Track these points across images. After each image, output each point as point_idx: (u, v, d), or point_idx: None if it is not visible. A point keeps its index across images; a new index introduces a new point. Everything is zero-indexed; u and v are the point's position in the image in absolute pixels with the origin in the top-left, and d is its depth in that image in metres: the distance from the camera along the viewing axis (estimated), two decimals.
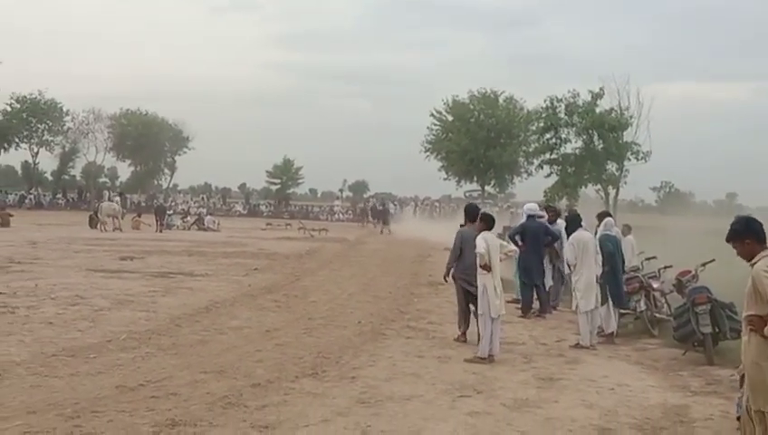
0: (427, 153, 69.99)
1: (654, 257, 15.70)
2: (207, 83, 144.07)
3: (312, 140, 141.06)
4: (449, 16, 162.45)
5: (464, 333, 11.75)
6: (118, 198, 42.72)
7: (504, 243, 11.88)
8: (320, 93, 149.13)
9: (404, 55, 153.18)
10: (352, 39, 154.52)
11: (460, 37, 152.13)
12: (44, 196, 73.06)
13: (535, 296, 15.05)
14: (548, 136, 38.94)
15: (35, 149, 74.78)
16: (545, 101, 38.72)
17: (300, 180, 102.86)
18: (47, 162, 79.69)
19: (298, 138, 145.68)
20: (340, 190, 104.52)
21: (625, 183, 39.25)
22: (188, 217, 47.87)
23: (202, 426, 6.90)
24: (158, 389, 8.10)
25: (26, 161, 78.99)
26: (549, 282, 15.55)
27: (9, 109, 71.79)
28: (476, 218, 11.69)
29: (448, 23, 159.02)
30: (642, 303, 13.10)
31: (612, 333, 12.34)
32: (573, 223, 12.48)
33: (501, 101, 68.23)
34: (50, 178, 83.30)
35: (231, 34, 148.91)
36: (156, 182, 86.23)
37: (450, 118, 69.22)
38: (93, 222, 40.30)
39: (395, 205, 77.59)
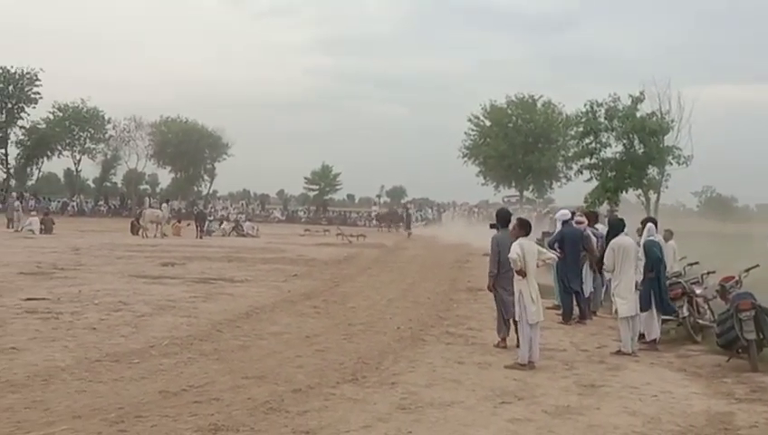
0: (465, 158, 69.90)
1: (696, 263, 15.50)
2: (246, 89, 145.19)
3: (351, 145, 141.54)
4: (487, 20, 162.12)
5: (504, 339, 11.69)
6: (165, 205, 43.19)
7: (543, 250, 11.79)
8: (358, 98, 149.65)
9: (442, 59, 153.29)
10: (391, 43, 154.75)
11: (498, 41, 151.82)
12: (87, 203, 74.18)
13: (575, 302, 14.94)
14: (588, 140, 38.56)
15: (78, 157, 76.05)
16: (585, 105, 38.34)
17: (338, 186, 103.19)
18: (89, 170, 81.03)
19: (336, 143, 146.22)
20: (378, 196, 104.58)
21: (666, 187, 38.75)
22: (225, 224, 48.13)
23: (244, 431, 6.95)
24: (200, 394, 8.17)
25: (69, 169, 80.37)
26: (589, 288, 15.43)
27: (52, 117, 73.02)
28: (508, 223, 11.65)
29: (486, 26, 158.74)
30: (685, 309, 12.94)
31: (655, 339, 12.20)
32: (615, 228, 12.37)
33: (539, 105, 67.98)
34: (92, 185, 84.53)
35: (270, 40, 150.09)
36: (196, 189, 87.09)
37: (488, 123, 69.12)
38: (135, 229, 40.81)
39: (433, 210, 77.56)
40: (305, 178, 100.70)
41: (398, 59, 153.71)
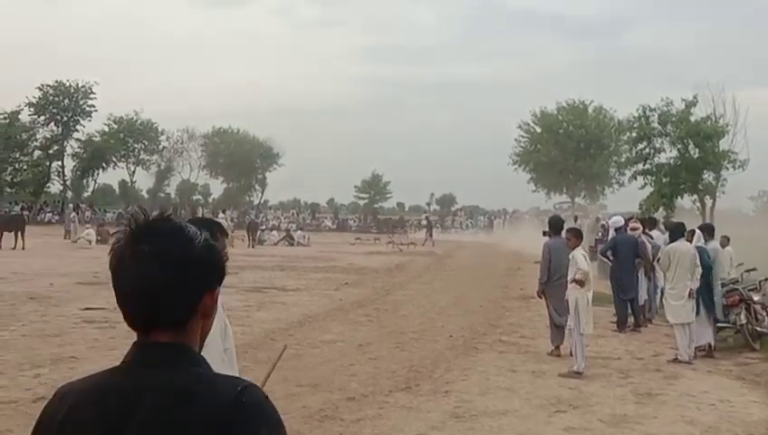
0: (516, 165, 69.56)
1: (754, 269, 15.23)
2: (296, 98, 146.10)
3: (401, 153, 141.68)
4: (536, 26, 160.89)
5: (557, 348, 11.61)
6: (222, 214, 43.86)
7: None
8: (407, 106, 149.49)
9: (491, 66, 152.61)
10: (439, 51, 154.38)
11: (548, 47, 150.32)
12: None
13: (630, 310, 14.76)
14: (641, 146, 38.12)
15: (132, 168, 77.30)
16: (637, 110, 37.92)
17: (388, 195, 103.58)
18: (143, 180, 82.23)
19: (386, 151, 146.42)
20: (428, 204, 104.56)
21: (722, 193, 38.12)
22: (275, 232, 48.51)
23: None
24: None
25: (123, 180, 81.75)
26: (643, 295, 15.24)
27: (107, 129, 74.42)
28: (561, 230, 11.59)
29: (536, 32, 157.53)
30: (742, 316, 12.71)
31: (710, 345, 12.00)
32: (674, 233, 12.22)
33: (590, 110, 67.40)
34: (146, 195, 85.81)
35: (317, 49, 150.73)
36: (247, 198, 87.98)
37: (539, 129, 68.77)
38: None
39: (484, 218, 77.35)
40: (355, 187, 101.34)
41: (448, 66, 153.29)
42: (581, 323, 10.34)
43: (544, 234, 12.37)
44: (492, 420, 7.79)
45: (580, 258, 10.47)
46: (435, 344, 12.26)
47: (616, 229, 15.45)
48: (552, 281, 11.43)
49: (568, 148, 65.53)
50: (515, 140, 69.88)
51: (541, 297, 12.05)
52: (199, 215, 49.44)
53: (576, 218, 23.48)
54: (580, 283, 10.39)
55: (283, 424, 1.66)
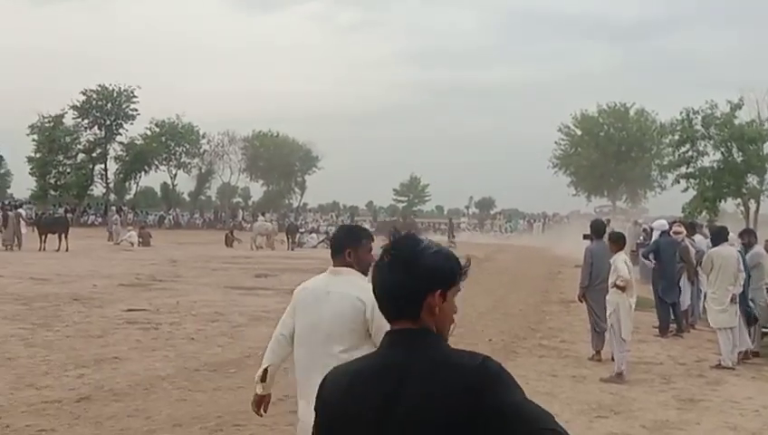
0: (556, 168, 69.14)
1: None
2: (335, 102, 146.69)
3: (439, 156, 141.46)
4: (579, 28, 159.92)
5: (598, 352, 11.50)
6: (261, 217, 44.26)
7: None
8: (447, 109, 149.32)
9: (531, 69, 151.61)
10: (479, 54, 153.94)
11: (588, 50, 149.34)
12: (182, 216, 76.13)
13: (672, 315, 14.58)
14: (684, 149, 37.71)
15: (174, 171, 78.17)
16: (680, 112, 37.53)
17: (426, 198, 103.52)
18: (185, 183, 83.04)
19: (425, 155, 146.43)
20: (467, 207, 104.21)
21: (767, 196, 37.60)
22: (314, 235, 48.64)
23: None
24: (295, 404, 8.25)
25: (165, 183, 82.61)
26: (687, 300, 15.05)
27: (149, 133, 75.32)
28: (603, 234, 11.49)
29: (578, 34, 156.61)
30: None
31: (746, 351, 11.81)
32: (717, 237, 12.05)
33: (631, 113, 66.80)
34: (187, 198, 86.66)
35: (358, 52, 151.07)
36: (286, 201, 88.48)
37: (579, 132, 68.29)
38: (229, 241, 41.74)
39: (523, 221, 76.99)
40: (394, 190, 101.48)
41: (487, 70, 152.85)
42: (622, 328, 10.23)
43: (585, 237, 12.26)
44: None
45: (620, 265, 10.37)
46: (474, 348, 12.01)
47: (660, 233, 15.26)
48: (594, 285, 11.33)
49: (609, 151, 65.05)
50: (555, 143, 69.53)
51: (582, 301, 11.95)
52: (239, 217, 49.77)
53: (608, 222, 23.19)
54: (622, 287, 10.29)
55: (518, 384, 2.14)
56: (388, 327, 3.10)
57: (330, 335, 4.26)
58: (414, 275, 2.22)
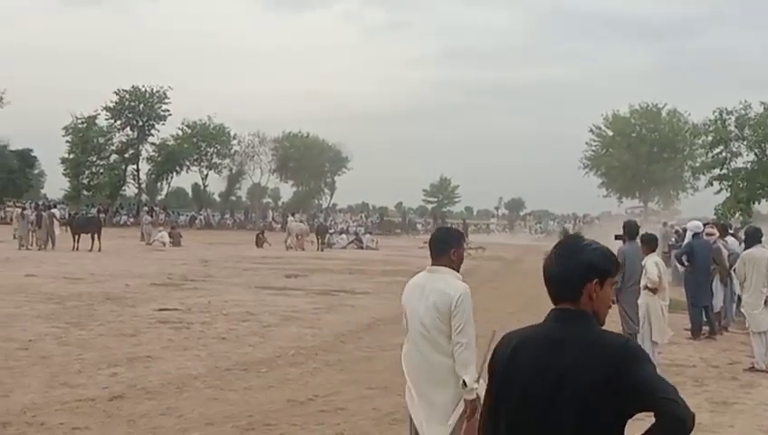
0: (586, 169, 68.71)
1: None
2: (364, 102, 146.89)
3: (468, 157, 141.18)
4: (609, 27, 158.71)
5: None
6: (291, 218, 44.54)
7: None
8: (477, 109, 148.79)
9: (563, 69, 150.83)
10: (507, 54, 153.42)
11: (622, 48, 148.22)
12: (213, 216, 76.59)
13: (705, 317, 14.42)
14: (717, 150, 37.29)
15: (205, 172, 78.68)
16: (714, 113, 37.12)
17: (456, 199, 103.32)
18: (216, 184, 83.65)
19: (455, 155, 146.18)
20: (496, 208, 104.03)
21: None
22: (344, 236, 48.66)
23: None
24: (326, 403, 8.33)
25: (196, 183, 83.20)
26: (719, 302, 14.88)
27: (181, 133, 75.89)
28: (636, 236, 11.38)
29: (608, 34, 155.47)
30: None
31: None
32: (751, 239, 11.90)
33: (664, 114, 66.22)
34: (218, 199, 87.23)
35: (387, 53, 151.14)
36: (316, 202, 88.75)
37: (610, 133, 67.83)
38: (259, 241, 41.96)
39: (554, 222, 76.61)
40: (423, 191, 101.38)
41: (518, 69, 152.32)
42: (654, 331, 10.14)
43: (616, 238, 12.16)
44: None
45: (651, 267, 10.28)
46: None
47: (693, 235, 15.10)
48: (626, 287, 11.22)
49: (640, 152, 64.58)
50: (586, 143, 69.16)
51: (614, 303, 11.85)
52: (269, 218, 49.91)
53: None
54: (653, 290, 10.20)
55: (650, 360, 2.79)
56: (468, 320, 4.70)
57: (425, 326, 4.89)
58: (575, 266, 2.81)
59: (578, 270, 2.79)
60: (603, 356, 2.63)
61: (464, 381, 4.72)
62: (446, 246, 5.06)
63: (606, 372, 2.60)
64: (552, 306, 2.83)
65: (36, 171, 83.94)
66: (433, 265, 5.03)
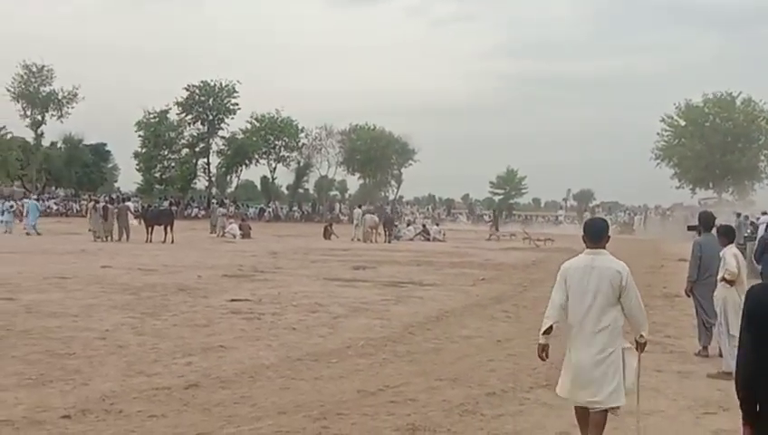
0: (658, 160, 67.43)
1: None
2: (430, 95, 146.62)
3: (536, 149, 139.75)
4: (679, 17, 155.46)
5: (705, 348, 11.18)
6: (358, 210, 44.86)
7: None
8: (542, 101, 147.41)
9: (629, 59, 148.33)
10: (575, 45, 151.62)
11: (692, 38, 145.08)
12: (281, 208, 77.44)
13: None
14: None
15: (273, 165, 79.62)
16: None
17: (523, 190, 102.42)
18: (283, 176, 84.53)
19: (520, 147, 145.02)
20: (564, 200, 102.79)
21: None
22: (411, 228, 48.59)
23: (441, 432, 7.05)
24: (396, 394, 8.36)
25: (265, 176, 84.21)
26: None
27: (249, 127, 76.84)
28: (712, 227, 11.15)
29: (678, 23, 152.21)
30: None
31: None
32: None
33: (738, 102, 64.55)
34: (286, 191, 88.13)
35: (451, 45, 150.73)
36: (383, 194, 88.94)
37: (683, 122, 66.42)
38: (328, 233, 42.28)
39: (624, 214, 75.38)
40: (490, 183, 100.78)
41: (586, 60, 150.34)
42: (731, 324, 9.91)
43: (689, 229, 11.93)
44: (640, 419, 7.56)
45: (729, 258, 10.03)
46: None
47: (767, 227, 14.72)
48: (702, 279, 11.00)
49: (714, 141, 63.11)
50: (658, 134, 67.84)
51: (689, 296, 11.62)
52: (337, 210, 49.87)
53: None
54: (730, 281, 9.97)
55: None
56: (635, 292, 6.29)
57: (595, 299, 6.18)
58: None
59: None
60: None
61: (641, 335, 6.38)
62: (604, 233, 6.44)
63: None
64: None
65: (110, 165, 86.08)
66: (592, 247, 6.34)
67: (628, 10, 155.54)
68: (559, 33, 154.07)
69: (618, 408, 6.37)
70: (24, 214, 40.56)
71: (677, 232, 40.43)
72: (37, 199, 50.88)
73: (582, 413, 6.45)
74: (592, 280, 6.19)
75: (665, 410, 8.05)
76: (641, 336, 6.39)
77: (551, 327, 6.36)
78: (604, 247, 6.38)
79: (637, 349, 6.46)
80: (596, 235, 6.39)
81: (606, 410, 6.33)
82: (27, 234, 37.02)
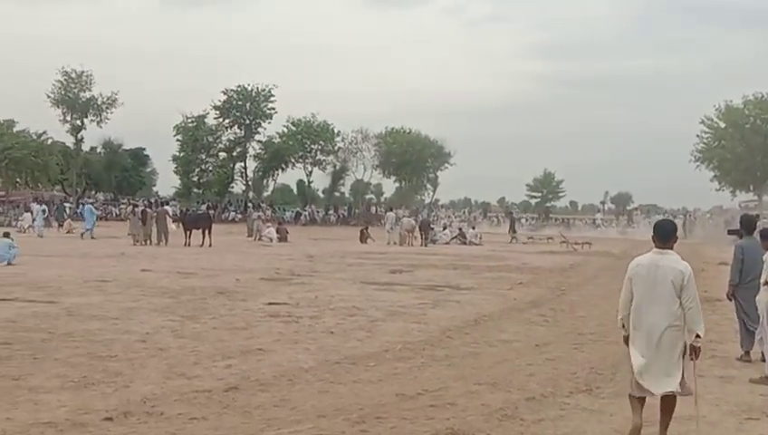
0: (698, 162, 66.65)
1: None
2: (465, 97, 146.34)
3: (572, 151, 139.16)
4: (716, 17, 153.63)
5: (747, 353, 11.02)
6: (391, 213, 45.00)
7: None
8: (579, 103, 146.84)
9: (667, 60, 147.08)
10: (611, 46, 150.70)
11: (730, 38, 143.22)
12: (317, 212, 77.70)
13: None
14: None
15: (309, 169, 79.94)
16: None
17: (560, 193, 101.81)
18: (320, 180, 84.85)
19: (559, 149, 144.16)
20: (602, 202, 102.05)
21: None
22: (447, 231, 48.45)
23: None
24: (435, 398, 8.35)
25: (301, 180, 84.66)
26: None
27: (286, 131, 77.24)
28: (754, 230, 11.00)
29: (715, 24, 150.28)
30: None
31: None
32: None
33: None
34: (322, 195, 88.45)
35: (487, 46, 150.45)
36: (418, 197, 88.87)
37: (722, 124, 65.57)
38: (364, 237, 42.35)
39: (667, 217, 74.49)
40: (527, 186, 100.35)
41: (623, 61, 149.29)
42: None
43: (730, 232, 11.78)
44: (678, 425, 7.45)
45: None
46: (614, 347, 11.86)
47: None
48: (744, 283, 10.85)
49: (755, 143, 62.24)
50: (697, 136, 67.00)
51: (731, 299, 11.47)
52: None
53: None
54: None
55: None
56: (694, 291, 6.65)
57: (659, 295, 6.65)
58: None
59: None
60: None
61: (697, 335, 6.63)
62: (672, 234, 6.91)
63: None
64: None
65: (149, 169, 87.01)
66: (660, 247, 6.80)
67: (664, 9, 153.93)
68: (594, 33, 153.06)
69: (689, 393, 6.86)
70: (82, 218, 41.75)
71: (718, 235, 39.94)
72: (93, 204, 51.61)
73: (638, 403, 6.88)
74: (657, 278, 6.65)
75: (706, 415, 7.93)
76: (697, 337, 6.63)
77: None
78: (672, 248, 6.81)
79: (691, 355, 6.72)
80: (665, 235, 6.86)
81: (675, 397, 6.79)
82: (81, 235, 38.03)
